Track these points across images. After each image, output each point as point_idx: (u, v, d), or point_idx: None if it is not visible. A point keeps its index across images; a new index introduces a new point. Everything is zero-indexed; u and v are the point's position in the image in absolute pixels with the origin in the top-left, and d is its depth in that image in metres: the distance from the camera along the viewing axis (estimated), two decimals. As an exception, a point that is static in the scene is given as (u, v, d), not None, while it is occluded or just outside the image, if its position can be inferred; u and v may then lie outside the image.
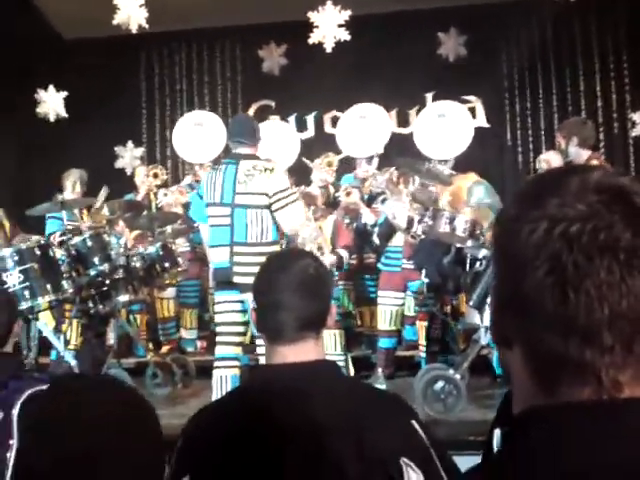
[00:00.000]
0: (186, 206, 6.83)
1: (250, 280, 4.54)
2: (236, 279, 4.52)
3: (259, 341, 4.55)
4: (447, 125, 7.87)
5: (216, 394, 4.53)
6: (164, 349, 6.82)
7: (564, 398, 0.75)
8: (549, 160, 6.43)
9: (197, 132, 8.31)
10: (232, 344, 4.69)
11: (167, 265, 5.76)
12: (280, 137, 8.26)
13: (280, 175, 4.67)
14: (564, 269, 0.72)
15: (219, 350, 4.72)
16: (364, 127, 8.05)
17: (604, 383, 0.74)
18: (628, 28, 8.33)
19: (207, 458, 1.58)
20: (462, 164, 7.15)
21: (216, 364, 4.70)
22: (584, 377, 0.74)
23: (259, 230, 4.56)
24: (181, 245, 6.51)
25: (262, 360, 4.49)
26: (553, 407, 0.76)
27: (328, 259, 5.48)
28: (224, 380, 4.58)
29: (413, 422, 1.64)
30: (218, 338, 4.74)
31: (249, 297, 4.44)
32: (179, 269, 5.94)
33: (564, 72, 9.15)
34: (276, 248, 4.61)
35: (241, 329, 4.69)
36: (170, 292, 6.91)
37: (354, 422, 1.55)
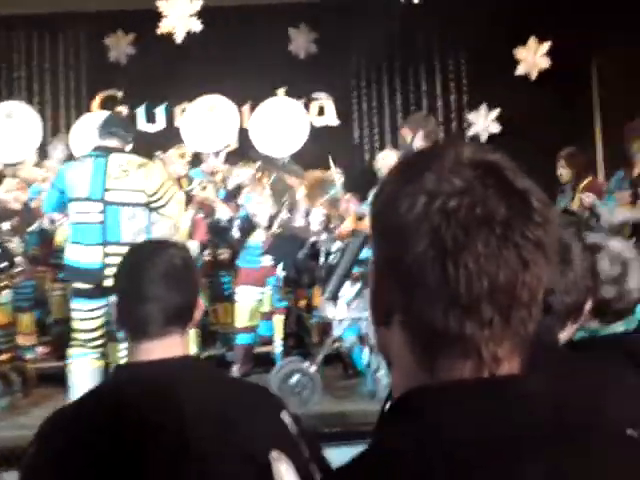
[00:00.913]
0: (25, 204, 6.43)
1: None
2: (108, 282, 4.22)
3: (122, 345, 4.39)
4: (283, 122, 7.82)
5: (76, 388, 4.27)
6: (1, 357, 6.38)
7: (445, 375, 0.76)
8: (386, 157, 6.66)
9: (7, 125, 7.38)
10: (93, 347, 4.50)
11: (3, 266, 5.41)
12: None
13: (155, 170, 4.51)
14: (443, 243, 0.73)
15: (76, 351, 4.48)
16: (211, 120, 7.89)
17: (484, 357, 0.75)
18: (467, 31, 8.75)
19: (66, 460, 1.49)
20: (311, 160, 7.22)
21: (73, 362, 4.47)
22: (465, 352, 0.75)
23: (135, 229, 4.37)
24: (17, 244, 6.11)
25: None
26: (434, 387, 0.76)
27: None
28: (83, 375, 4.34)
29: (282, 413, 1.63)
30: (77, 343, 4.50)
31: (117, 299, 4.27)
32: (17, 270, 5.59)
33: (407, 72, 9.50)
34: None
35: (101, 332, 4.50)
36: (5, 296, 6.46)
37: (221, 416, 1.53)
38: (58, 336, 6.17)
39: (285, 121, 7.76)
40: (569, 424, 0.76)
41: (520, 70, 8.80)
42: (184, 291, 1.64)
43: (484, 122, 9.31)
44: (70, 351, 4.55)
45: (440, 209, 0.73)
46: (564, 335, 1.59)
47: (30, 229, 6.00)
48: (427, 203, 0.74)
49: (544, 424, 0.73)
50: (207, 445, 1.47)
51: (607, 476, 0.73)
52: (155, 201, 4.41)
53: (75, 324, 4.54)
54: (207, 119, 7.80)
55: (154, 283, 1.61)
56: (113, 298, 1.73)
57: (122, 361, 4.27)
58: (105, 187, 4.36)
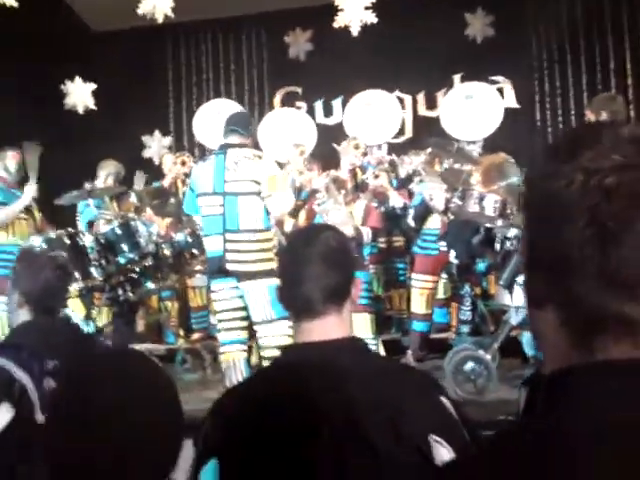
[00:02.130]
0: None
1: (243, 268, 4.55)
2: (229, 267, 4.50)
3: (259, 327, 4.55)
4: (475, 106, 7.76)
5: (229, 380, 4.54)
6: (195, 336, 6.86)
7: (600, 356, 0.74)
8: None
9: (216, 120, 8.28)
10: (237, 329, 4.69)
11: (196, 252, 5.77)
12: (297, 125, 8.22)
13: (268, 162, 4.68)
14: (603, 221, 0.71)
15: (225, 336, 4.71)
16: (370, 114, 7.95)
17: None
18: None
19: (236, 440, 1.56)
20: (491, 145, 7.08)
21: (223, 349, 4.72)
22: (622, 333, 0.73)
23: (251, 217, 4.55)
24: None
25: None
26: (592, 365, 0.74)
27: (346, 232, 5.45)
28: (234, 364, 4.59)
29: (442, 398, 1.62)
30: (221, 325, 4.73)
31: (244, 286, 4.48)
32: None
33: (594, 51, 8.99)
34: (269, 235, 4.62)
35: (243, 313, 4.68)
36: (201, 280, 6.92)
37: (387, 400, 1.54)
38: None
39: (478, 105, 7.68)
40: None
41: None
42: (339, 270, 1.68)
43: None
44: (219, 337, 4.79)
45: (599, 186, 0.71)
46: None
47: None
48: (585, 181, 0.72)
49: None
50: (376, 428, 1.48)
51: None
52: (263, 191, 4.56)
53: (215, 306, 4.78)
54: (366, 113, 7.89)
55: (311, 265, 1.66)
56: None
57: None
58: (225, 179, 4.59)
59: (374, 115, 7.82)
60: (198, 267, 6.12)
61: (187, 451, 1.48)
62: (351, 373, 1.56)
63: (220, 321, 4.74)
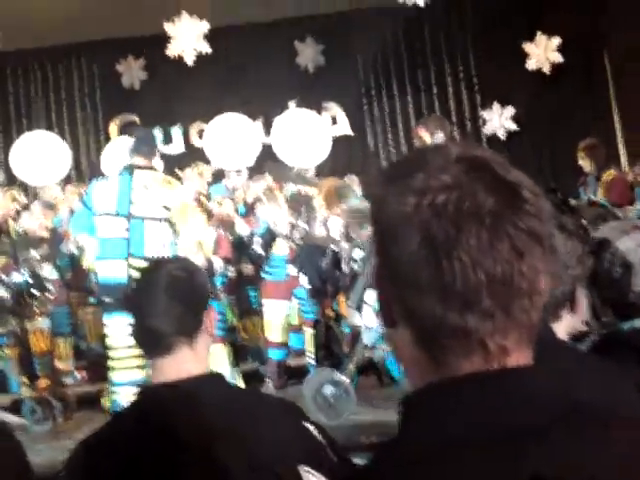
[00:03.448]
0: (53, 229, 6.54)
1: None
2: None
3: None
4: (303, 134, 7.86)
5: None
6: (42, 383, 6.46)
7: (454, 371, 0.76)
8: None
9: (36, 153, 7.62)
10: (132, 368, 4.51)
11: (36, 293, 5.49)
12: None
13: (177, 189, 4.59)
14: (435, 239, 0.73)
15: (122, 377, 4.51)
16: (232, 138, 7.95)
17: (490, 349, 0.75)
18: (474, 30, 8.77)
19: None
20: (327, 171, 7.25)
21: (115, 390, 4.51)
22: (469, 346, 0.75)
23: (157, 244, 4.45)
24: (48, 271, 6.20)
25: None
26: (442, 383, 0.76)
27: (199, 262, 5.40)
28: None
29: (306, 424, 1.64)
30: (113, 364, 4.55)
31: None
32: (49, 296, 5.66)
33: (417, 76, 9.51)
34: None
35: (139, 351, 4.51)
36: (43, 323, 6.56)
37: (243, 430, 1.53)
38: (94, 361, 6.25)
39: (306, 133, 7.79)
40: (579, 418, 0.75)
41: (531, 65, 8.80)
42: (186, 302, 1.66)
43: (499, 120, 9.30)
44: (112, 377, 4.58)
45: (429, 205, 0.74)
46: (562, 326, 1.57)
47: (59, 254, 6.07)
48: (416, 201, 0.75)
49: (553, 417, 0.73)
50: (231, 459, 1.47)
51: (615, 472, 0.71)
52: (176, 217, 4.50)
53: (108, 341, 4.59)
54: (227, 137, 7.86)
55: (157, 298, 1.65)
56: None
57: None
58: (130, 202, 4.45)
59: (234, 139, 7.79)
60: (39, 309, 5.83)
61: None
62: (208, 407, 1.55)
63: (113, 359, 4.52)
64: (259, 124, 8.49)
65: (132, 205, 4.45)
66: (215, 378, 1.70)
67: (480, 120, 9.47)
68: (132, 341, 4.43)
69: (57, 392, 5.70)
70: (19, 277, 5.44)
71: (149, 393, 1.74)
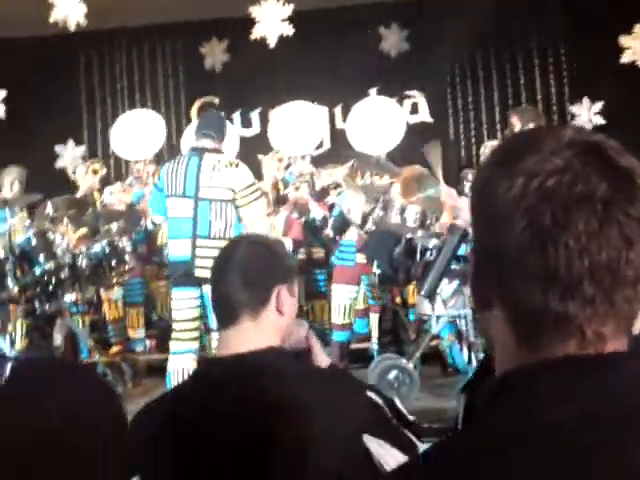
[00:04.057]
0: (130, 205, 6.75)
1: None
2: (197, 272, 4.47)
3: (214, 334, 4.53)
4: (378, 121, 7.84)
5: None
6: (113, 350, 6.71)
7: (547, 354, 0.75)
8: (489, 148, 6.54)
9: (134, 130, 8.13)
10: (189, 340, 4.65)
11: (114, 264, 5.66)
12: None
13: (245, 170, 4.66)
14: (542, 222, 0.72)
15: (176, 346, 4.66)
16: (296, 125, 8.00)
17: (587, 336, 0.74)
18: (565, 19, 8.51)
19: (155, 454, 1.54)
20: (405, 158, 7.18)
21: (172, 359, 4.65)
22: (567, 331, 0.74)
23: (222, 225, 4.53)
24: (125, 243, 6.40)
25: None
26: (538, 364, 0.75)
27: None
28: (181, 372, 4.52)
29: (370, 394, 1.64)
30: (175, 334, 4.68)
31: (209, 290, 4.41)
32: (126, 267, 5.83)
33: (504, 66, 9.31)
34: None
35: (197, 324, 4.67)
36: (117, 292, 6.80)
37: (307, 406, 1.52)
38: (164, 331, 6.43)
39: (381, 119, 7.78)
40: None
41: (625, 58, 8.49)
42: (255, 279, 1.68)
43: (588, 114, 9.03)
44: (171, 346, 4.72)
45: (538, 188, 0.73)
46: None
47: (136, 229, 6.24)
48: (525, 183, 0.74)
49: None
50: (296, 435, 1.47)
51: None
52: (239, 199, 4.56)
53: (174, 314, 4.72)
54: (292, 124, 7.93)
55: (228, 272, 1.69)
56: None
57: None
58: (198, 184, 4.53)
59: (298, 126, 7.85)
60: (115, 279, 6.01)
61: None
62: (270, 382, 1.56)
63: (176, 330, 4.68)
64: (325, 110, 8.52)
65: (199, 187, 4.54)
66: (276, 351, 1.69)
67: (568, 115, 9.20)
68: (193, 314, 4.58)
69: (128, 359, 5.90)
70: (99, 247, 5.60)
71: (209, 362, 1.78)
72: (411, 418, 1.67)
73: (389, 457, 1.49)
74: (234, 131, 8.62)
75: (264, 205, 4.79)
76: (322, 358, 1.88)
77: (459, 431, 0.84)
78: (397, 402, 1.74)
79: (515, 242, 0.74)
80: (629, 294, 0.74)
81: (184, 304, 4.59)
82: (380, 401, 1.63)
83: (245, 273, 1.67)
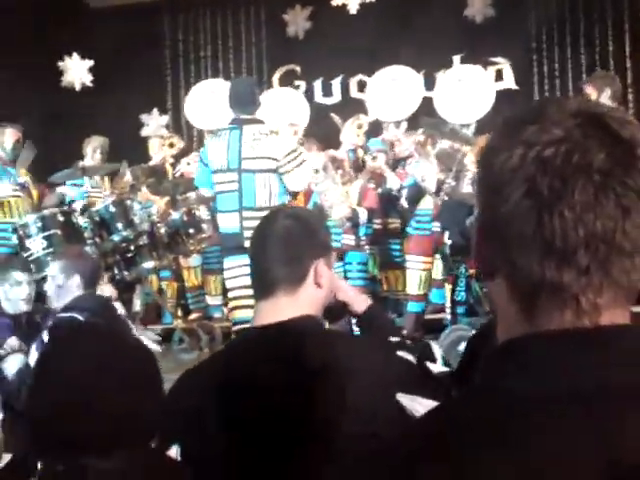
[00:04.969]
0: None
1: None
2: (247, 244, 4.48)
3: None
4: (466, 89, 7.70)
5: None
6: (192, 316, 6.89)
7: (544, 325, 0.76)
8: None
9: (209, 100, 8.22)
10: (249, 307, 4.70)
11: (192, 231, 5.77)
12: (290, 104, 8.22)
13: (285, 137, 4.66)
14: (539, 192, 0.73)
15: (240, 314, 4.72)
16: (395, 90, 7.93)
17: (583, 306, 0.74)
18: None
19: (195, 424, 1.56)
20: (487, 126, 7.04)
21: (235, 329, 4.74)
22: (563, 301, 0.75)
23: (267, 194, 4.57)
24: (203, 212, 6.51)
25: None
26: (533, 336, 0.76)
27: (342, 212, 5.43)
28: None
29: (400, 354, 1.64)
30: (235, 302, 4.75)
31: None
32: (203, 235, 5.95)
33: (593, 32, 8.93)
34: None
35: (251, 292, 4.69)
36: (196, 260, 6.94)
37: (337, 371, 1.53)
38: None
39: (469, 89, 7.65)
40: None
41: None
42: (293, 253, 1.68)
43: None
44: (231, 316, 4.82)
45: (536, 158, 0.74)
46: None
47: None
48: (523, 154, 0.75)
49: None
50: (328, 401, 1.49)
51: None
52: (282, 166, 4.57)
53: (228, 283, 4.81)
54: (390, 89, 7.86)
55: (266, 245, 1.69)
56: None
57: None
58: (241, 156, 4.57)
59: (396, 91, 7.79)
60: (193, 247, 6.14)
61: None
62: (300, 350, 1.56)
63: (232, 299, 4.77)
64: (421, 77, 8.39)
65: (242, 159, 4.58)
66: (308, 318, 1.70)
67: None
68: (245, 282, 4.65)
69: (205, 325, 6.05)
70: (176, 216, 5.72)
71: (248, 331, 1.81)
72: (438, 370, 1.66)
73: (422, 408, 1.49)
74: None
75: (308, 169, 4.76)
76: (358, 304, 1.95)
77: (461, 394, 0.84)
78: (434, 348, 1.77)
79: (513, 212, 0.75)
80: (626, 265, 0.74)
81: (238, 272, 4.62)
82: (411, 358, 1.64)
83: (283, 249, 1.67)
